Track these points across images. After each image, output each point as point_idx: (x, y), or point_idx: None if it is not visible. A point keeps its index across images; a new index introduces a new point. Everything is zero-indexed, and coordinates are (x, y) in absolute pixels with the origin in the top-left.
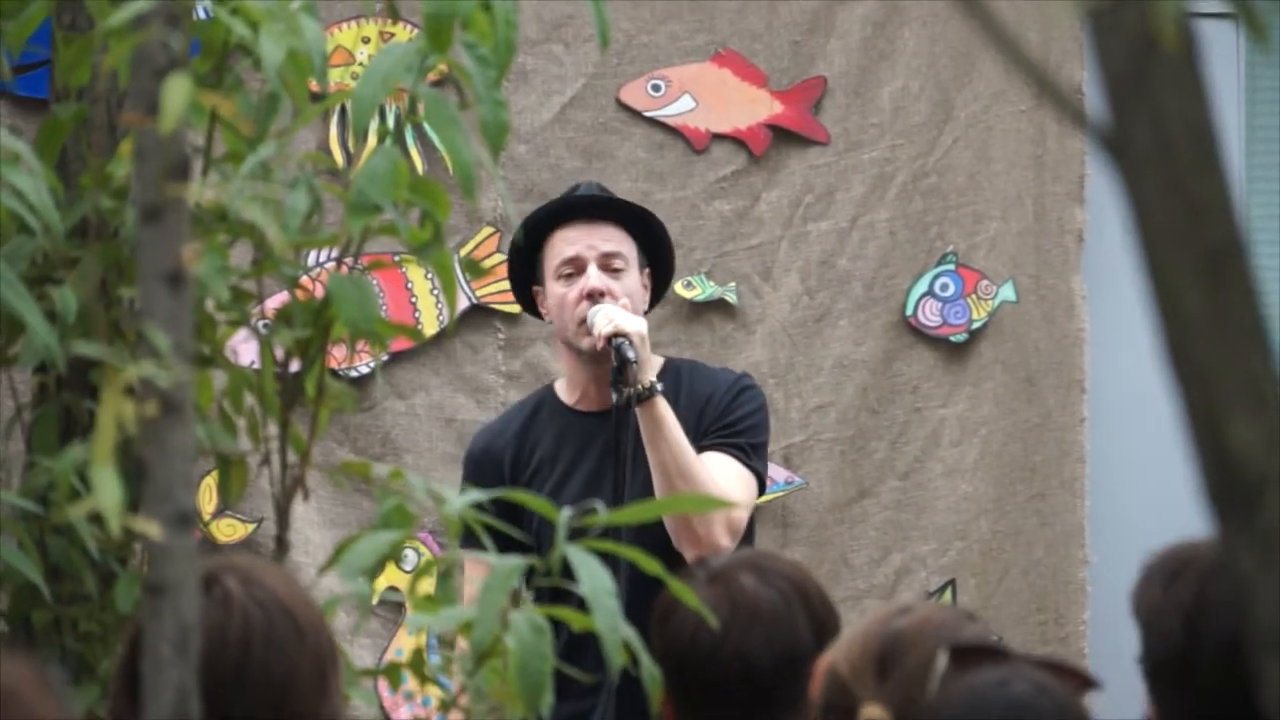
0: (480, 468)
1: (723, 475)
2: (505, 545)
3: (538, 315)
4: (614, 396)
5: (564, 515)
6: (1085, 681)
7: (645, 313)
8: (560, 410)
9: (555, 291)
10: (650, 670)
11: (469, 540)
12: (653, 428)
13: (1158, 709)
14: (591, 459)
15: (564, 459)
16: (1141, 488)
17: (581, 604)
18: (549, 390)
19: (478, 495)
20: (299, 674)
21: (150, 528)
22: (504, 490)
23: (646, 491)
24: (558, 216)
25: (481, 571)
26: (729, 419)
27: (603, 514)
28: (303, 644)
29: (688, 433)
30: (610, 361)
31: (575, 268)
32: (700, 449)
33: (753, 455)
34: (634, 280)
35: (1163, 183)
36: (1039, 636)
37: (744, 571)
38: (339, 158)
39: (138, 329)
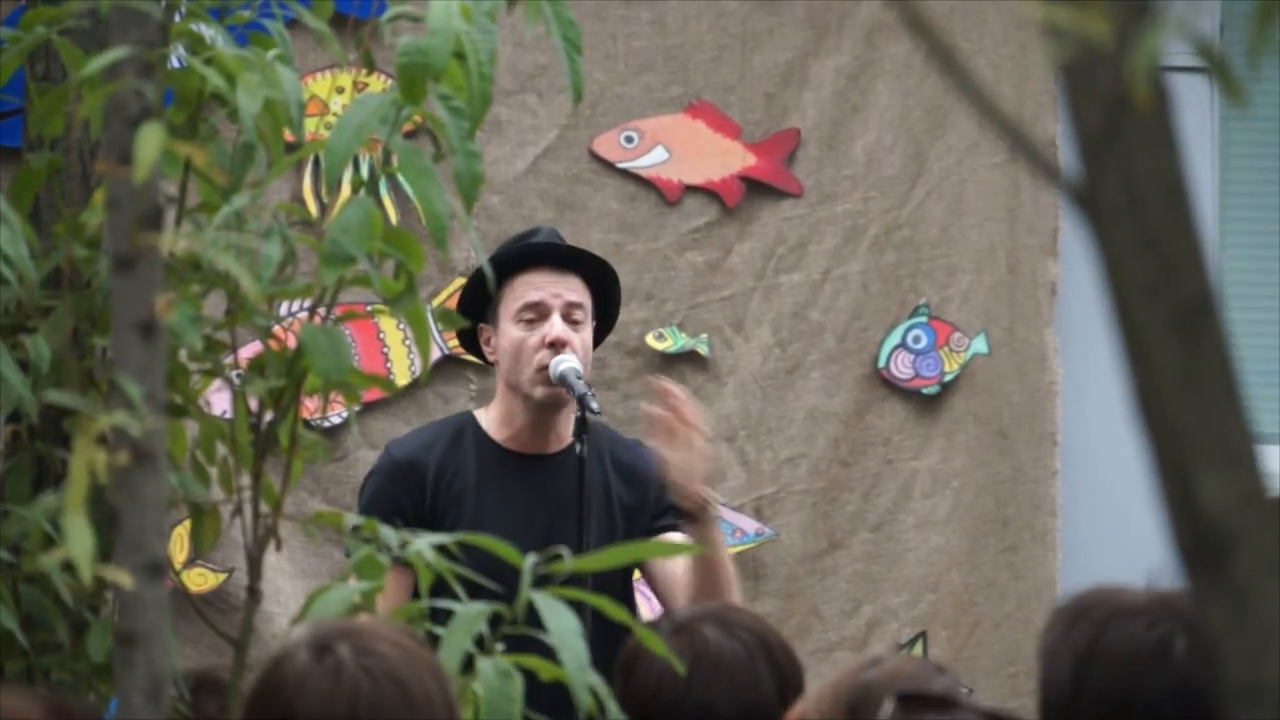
0: (405, 477)
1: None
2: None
3: (477, 353)
4: (579, 447)
5: (529, 561)
6: None
7: None
8: (486, 444)
9: (512, 334)
10: (617, 717)
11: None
12: (718, 546)
13: None
14: (521, 501)
15: (489, 494)
16: (1113, 541)
17: (538, 648)
18: (469, 418)
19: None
20: None
21: (122, 577)
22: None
23: (572, 541)
24: (525, 261)
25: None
26: (672, 501)
27: (568, 560)
28: (412, 716)
29: (627, 502)
30: (555, 409)
31: (538, 314)
32: (663, 528)
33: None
34: (588, 334)
35: (1134, 238)
36: (1010, 689)
37: (707, 623)
38: (313, 208)
39: (111, 378)
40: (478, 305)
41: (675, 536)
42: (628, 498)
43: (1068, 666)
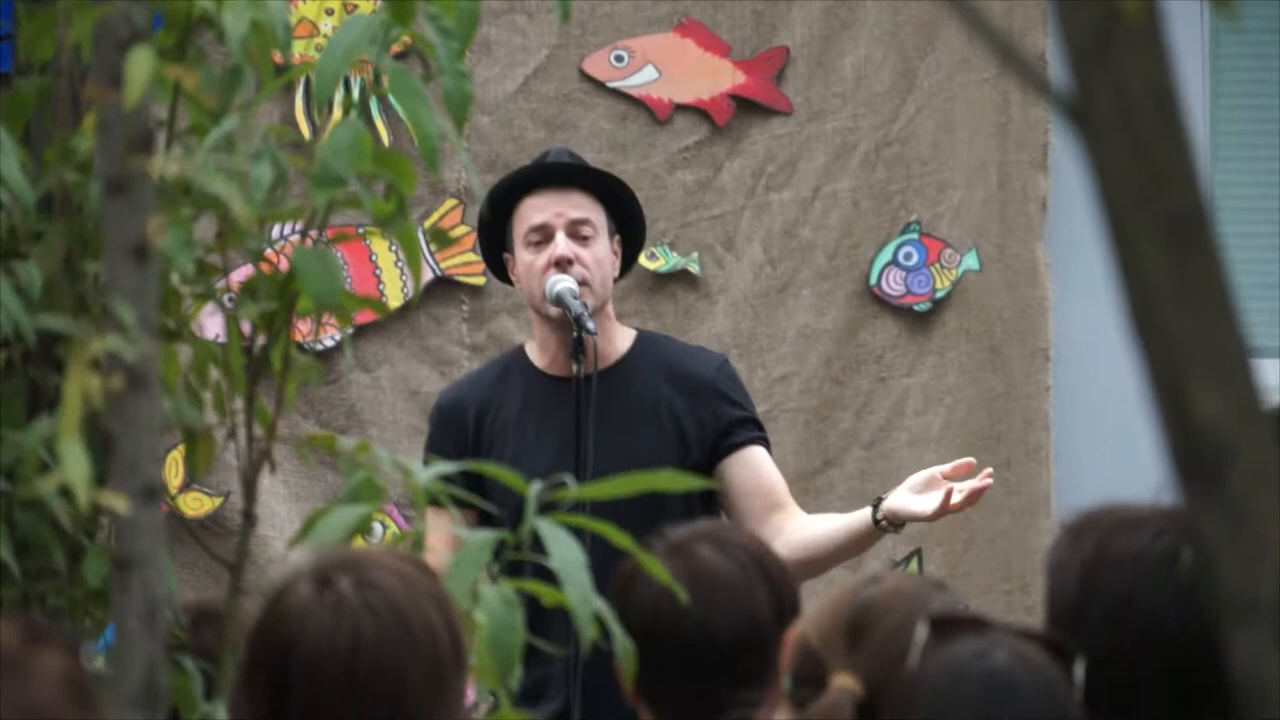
0: (446, 421)
1: (761, 470)
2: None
3: (509, 283)
4: (574, 367)
5: (534, 489)
6: (1063, 653)
7: (616, 280)
8: (530, 372)
9: (524, 259)
10: (623, 643)
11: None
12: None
13: None
14: (560, 424)
15: (531, 421)
16: (1108, 456)
17: (543, 573)
18: (519, 351)
19: (444, 468)
20: (409, 683)
21: (117, 501)
22: (470, 463)
23: (611, 460)
24: (527, 184)
25: (442, 522)
26: (743, 412)
27: (571, 487)
28: (416, 651)
29: (679, 411)
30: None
31: (544, 235)
32: (733, 446)
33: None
34: (603, 247)
35: (1125, 150)
36: (1005, 605)
37: (703, 543)
38: (304, 130)
39: (103, 303)
40: (497, 235)
41: (752, 451)
42: (683, 408)
43: (1074, 576)
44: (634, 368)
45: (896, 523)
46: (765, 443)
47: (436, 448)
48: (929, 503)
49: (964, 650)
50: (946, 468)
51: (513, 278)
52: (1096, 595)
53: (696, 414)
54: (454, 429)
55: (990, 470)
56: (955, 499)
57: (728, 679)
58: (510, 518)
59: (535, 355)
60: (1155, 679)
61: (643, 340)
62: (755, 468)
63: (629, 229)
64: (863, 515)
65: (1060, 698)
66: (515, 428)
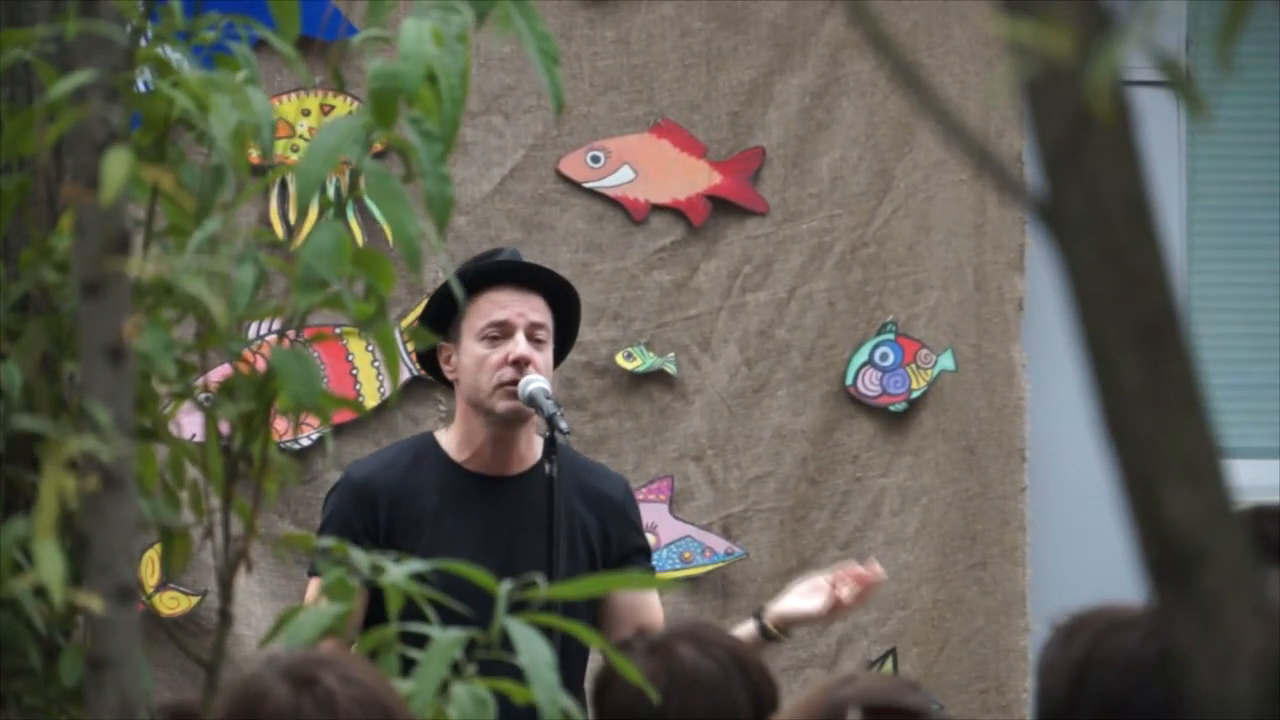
0: (358, 498)
1: (658, 607)
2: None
3: (436, 372)
4: (548, 468)
5: (504, 588)
6: None
7: None
8: (446, 465)
9: (475, 351)
10: None
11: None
12: None
13: None
14: (481, 523)
15: (448, 517)
16: (1083, 556)
17: (508, 670)
18: (430, 439)
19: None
20: None
21: (92, 602)
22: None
23: (535, 565)
24: (489, 280)
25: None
26: (642, 541)
27: (542, 587)
28: None
29: (589, 526)
30: (517, 426)
31: (502, 332)
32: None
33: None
34: (550, 353)
35: (1098, 253)
36: (980, 704)
37: (682, 642)
38: (279, 230)
39: (80, 403)
40: (438, 324)
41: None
42: (593, 524)
43: (1064, 678)
44: (545, 476)
45: (784, 629)
46: (653, 571)
47: (342, 523)
48: (817, 601)
49: None
50: (836, 571)
51: (445, 367)
52: (1088, 696)
53: (604, 532)
54: (365, 508)
55: (875, 564)
56: (844, 594)
57: None
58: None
59: (453, 448)
60: None
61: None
62: (644, 599)
63: (563, 337)
64: (748, 628)
65: None
66: (431, 520)
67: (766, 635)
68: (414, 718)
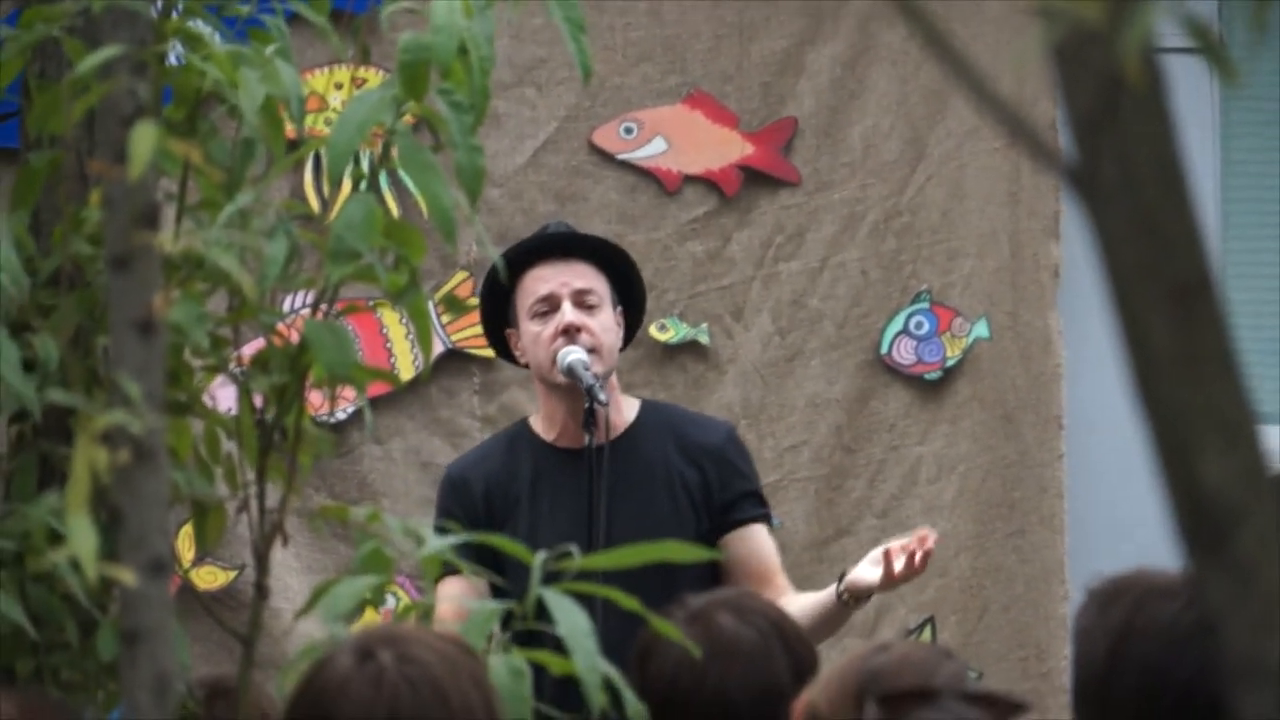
0: (458, 494)
1: (763, 549)
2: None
3: (513, 360)
4: (586, 438)
5: (538, 559)
6: (1015, 707)
7: (620, 350)
8: (538, 445)
9: (530, 330)
10: (635, 706)
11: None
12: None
13: None
14: (572, 497)
15: (544, 494)
16: (1120, 522)
17: (559, 644)
18: (524, 425)
19: (455, 538)
20: None
21: (125, 575)
22: (481, 534)
23: (627, 530)
24: (530, 257)
25: (457, 589)
26: (749, 485)
27: (578, 558)
28: None
29: (690, 480)
30: (583, 399)
31: (550, 305)
32: (737, 521)
33: (768, 506)
34: (608, 317)
35: (1131, 219)
36: (1020, 672)
37: (722, 610)
38: (314, 203)
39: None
40: (499, 314)
41: (754, 529)
42: (692, 476)
43: (1103, 645)
44: (642, 437)
45: (857, 596)
46: (767, 518)
47: (445, 517)
48: (876, 572)
49: None
50: (899, 542)
51: (516, 352)
52: (1126, 665)
53: (705, 483)
54: (465, 503)
55: (928, 533)
56: (897, 565)
57: None
58: (522, 587)
59: (541, 428)
60: None
61: (648, 409)
62: (755, 546)
63: (631, 299)
64: (829, 593)
65: None
66: (528, 502)
67: (843, 600)
68: (474, 706)
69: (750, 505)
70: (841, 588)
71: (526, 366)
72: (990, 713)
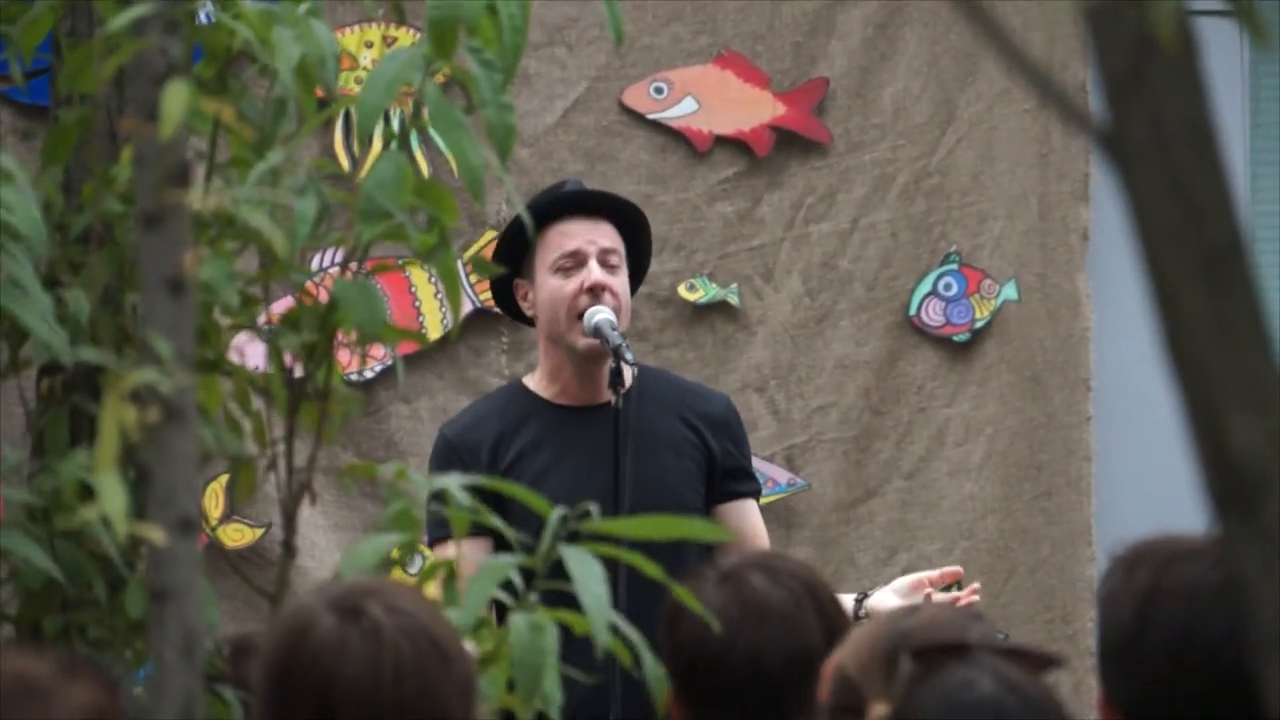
0: (458, 455)
1: (758, 524)
2: (498, 542)
3: (512, 310)
4: (613, 399)
5: (555, 513)
6: (1049, 661)
7: None
8: (537, 403)
9: (550, 285)
10: (653, 668)
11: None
12: None
13: (1106, 697)
14: (576, 455)
15: (545, 452)
16: (1148, 485)
17: (572, 607)
18: (518, 385)
19: (476, 486)
20: (449, 703)
21: (154, 533)
22: (499, 481)
23: (643, 492)
24: (556, 211)
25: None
26: (745, 460)
27: (598, 519)
28: (450, 672)
29: (693, 444)
30: (600, 359)
31: (575, 261)
32: (733, 494)
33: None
34: (625, 278)
35: (1162, 182)
36: (1046, 634)
37: (754, 571)
38: (344, 162)
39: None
40: (510, 262)
41: (747, 504)
42: (695, 441)
43: (1129, 608)
44: (643, 400)
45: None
46: (758, 493)
47: None
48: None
49: (950, 682)
50: (935, 574)
51: (524, 304)
52: (1153, 627)
53: (707, 450)
54: (468, 464)
55: (976, 586)
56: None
57: (778, 708)
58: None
59: (540, 386)
60: (1210, 710)
61: (645, 374)
62: (751, 520)
63: (638, 260)
64: (847, 603)
65: (1049, 713)
66: (530, 458)
67: (859, 618)
68: (461, 647)
69: (746, 480)
70: (863, 611)
71: (529, 321)
72: (1025, 666)
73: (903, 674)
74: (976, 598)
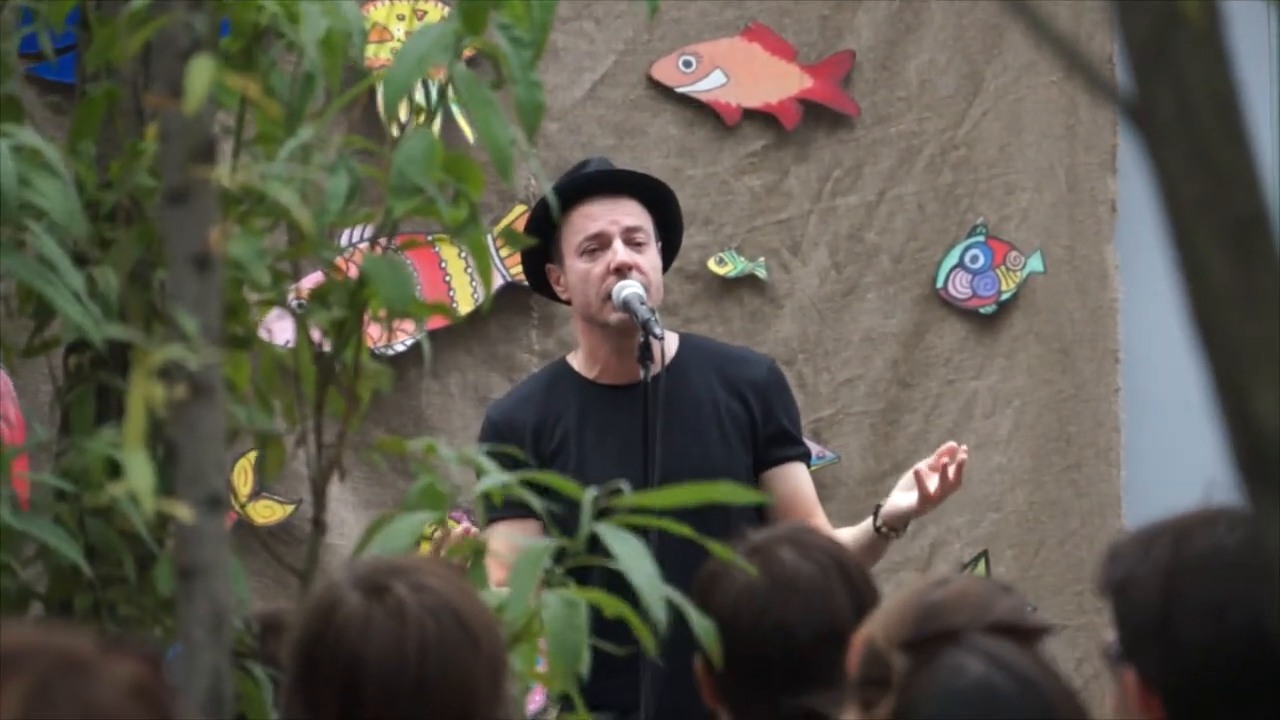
0: (502, 436)
1: (808, 489)
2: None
3: (551, 294)
4: (642, 373)
5: (588, 495)
6: (1041, 631)
7: None
8: (580, 383)
9: (577, 268)
10: (702, 624)
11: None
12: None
13: (1142, 682)
14: (620, 433)
15: (590, 432)
16: (1177, 456)
17: (608, 582)
18: (562, 363)
19: (511, 476)
20: (476, 682)
21: (181, 510)
22: (535, 471)
23: (682, 465)
24: (578, 193)
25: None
26: (790, 424)
27: (629, 494)
28: (477, 651)
29: (736, 413)
30: (634, 334)
31: (599, 243)
32: (780, 459)
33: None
34: (654, 253)
35: (1187, 153)
36: (1075, 606)
37: (783, 545)
38: (393, 131)
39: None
40: (542, 248)
41: (795, 468)
42: (738, 408)
43: (1154, 586)
44: (685, 371)
45: (894, 525)
46: (807, 457)
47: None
48: (911, 496)
49: (941, 671)
50: (931, 459)
51: (557, 288)
52: (1182, 600)
53: (750, 416)
54: (512, 445)
55: (955, 447)
56: (930, 485)
57: (804, 681)
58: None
59: (582, 366)
60: (1254, 674)
61: (688, 343)
62: (796, 484)
63: (669, 235)
64: (866, 526)
65: (1041, 685)
66: (575, 440)
67: (880, 531)
68: (491, 625)
69: (792, 444)
70: (879, 521)
71: (567, 302)
72: (1017, 640)
73: (897, 670)
74: (964, 456)
